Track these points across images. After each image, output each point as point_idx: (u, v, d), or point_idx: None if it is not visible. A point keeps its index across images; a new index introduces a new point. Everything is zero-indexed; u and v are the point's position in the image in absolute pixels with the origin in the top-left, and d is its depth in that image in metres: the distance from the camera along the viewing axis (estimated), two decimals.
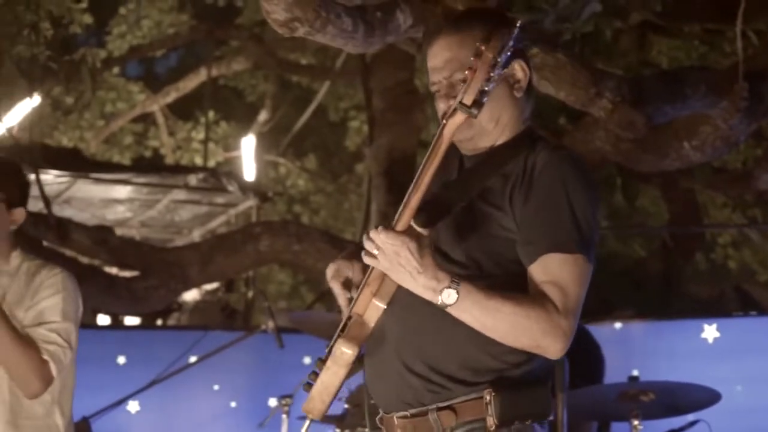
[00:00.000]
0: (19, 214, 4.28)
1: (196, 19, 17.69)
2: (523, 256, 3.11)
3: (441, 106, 3.23)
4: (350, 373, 3.15)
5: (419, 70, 11.34)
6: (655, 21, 7.60)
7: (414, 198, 2.93)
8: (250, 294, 13.29)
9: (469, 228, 3.15)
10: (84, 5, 15.20)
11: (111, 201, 14.10)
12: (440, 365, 3.16)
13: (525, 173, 3.16)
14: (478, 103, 2.91)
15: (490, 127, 3.23)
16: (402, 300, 3.06)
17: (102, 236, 8.37)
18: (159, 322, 12.32)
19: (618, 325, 7.78)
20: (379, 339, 3.20)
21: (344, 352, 3.07)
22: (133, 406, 7.79)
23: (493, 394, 3.08)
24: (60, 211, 11.58)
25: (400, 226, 2.92)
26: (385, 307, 3.06)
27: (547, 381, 3.25)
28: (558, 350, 3.02)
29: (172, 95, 18.38)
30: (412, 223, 2.93)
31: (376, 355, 3.27)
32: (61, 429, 4.24)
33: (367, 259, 2.95)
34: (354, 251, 3.28)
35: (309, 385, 3.19)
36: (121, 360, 7.93)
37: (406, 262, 2.87)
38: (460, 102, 2.92)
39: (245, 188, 13.91)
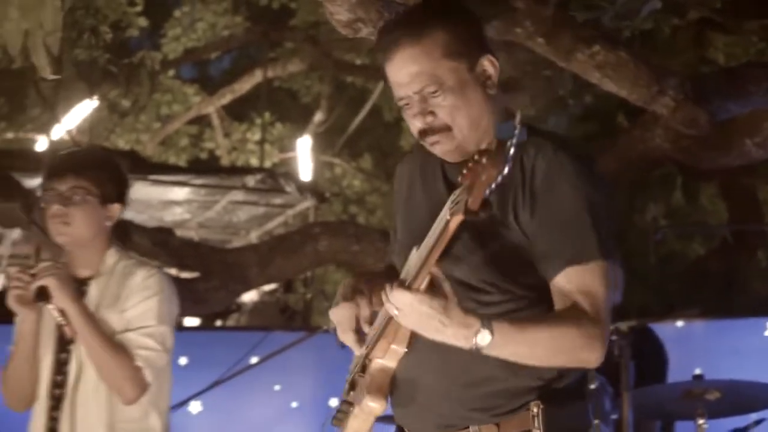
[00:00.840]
0: (114, 210, 4.25)
1: (250, 21, 17.77)
2: (542, 270, 2.98)
3: (416, 123, 3.03)
4: None
5: None
6: (713, 17, 7.53)
7: (428, 264, 2.76)
8: (309, 294, 13.32)
9: (478, 252, 3.01)
10: (139, 8, 15.35)
11: (169, 203, 14.15)
12: (478, 401, 3.05)
13: (525, 181, 2.98)
14: (486, 203, 2.66)
15: (472, 135, 3.03)
16: (426, 340, 2.88)
17: (162, 238, 8.39)
18: (218, 323, 12.37)
19: (680, 323, 7.74)
20: (404, 382, 3.10)
21: (373, 407, 3.01)
22: (194, 406, 7.82)
23: (541, 406, 2.99)
24: None
25: (416, 283, 2.77)
26: (405, 350, 2.98)
27: (585, 394, 3.19)
28: (597, 359, 2.92)
29: (227, 97, 18.45)
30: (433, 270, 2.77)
31: (403, 399, 3.16)
32: (158, 431, 4.20)
33: (390, 310, 2.81)
34: (351, 290, 3.17)
35: (339, 421, 3.15)
36: (183, 361, 7.95)
37: (429, 319, 2.73)
38: (467, 207, 2.66)
39: (302, 189, 13.92)
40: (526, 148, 2.96)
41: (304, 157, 17.99)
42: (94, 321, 4.04)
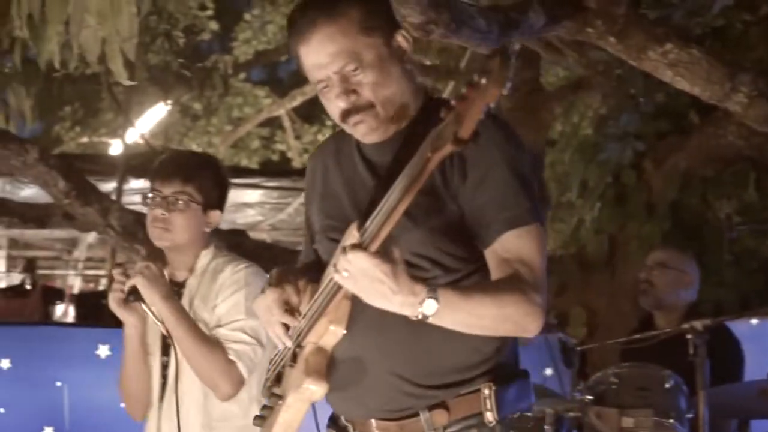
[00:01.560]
0: (215, 216, 4.23)
1: None
2: (477, 238, 2.92)
3: (339, 103, 2.95)
4: None
5: (545, 68, 11.31)
6: None
7: (389, 222, 2.64)
8: None
9: (415, 228, 2.91)
10: (210, 12, 15.47)
11: (241, 205, 14.23)
12: (425, 378, 2.98)
13: (455, 153, 2.81)
14: (475, 134, 2.54)
15: (395, 111, 2.98)
16: (367, 320, 2.88)
17: (237, 240, 8.44)
18: None
19: (755, 321, 7.66)
20: (345, 364, 3.00)
21: (313, 390, 2.91)
22: None
23: (493, 388, 2.94)
24: None
25: (374, 246, 2.66)
26: (344, 331, 2.89)
27: (524, 370, 3.13)
28: (537, 327, 2.85)
29: (297, 99, 18.50)
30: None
31: (344, 381, 3.02)
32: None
33: (336, 277, 2.70)
34: (278, 278, 3.07)
35: (262, 419, 3.10)
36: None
37: (380, 284, 2.62)
38: (457, 137, 2.52)
39: None
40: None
41: None
42: (185, 318, 4.02)
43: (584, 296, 8.73)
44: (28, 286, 13.41)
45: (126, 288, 4.02)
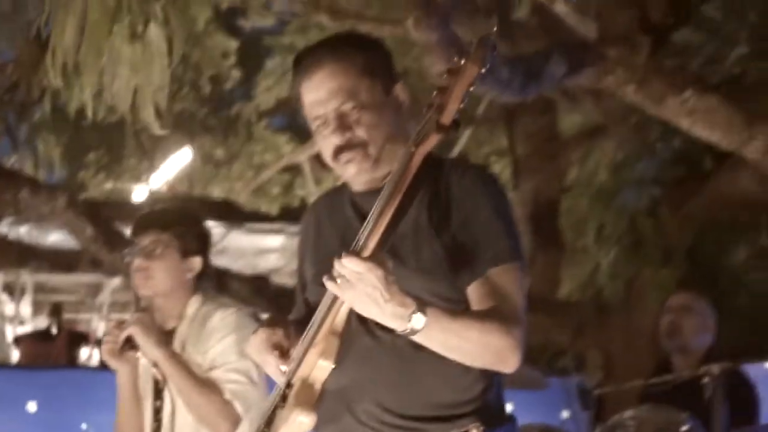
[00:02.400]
0: (195, 262, 4.27)
1: None
2: (461, 276, 2.91)
3: (333, 140, 2.94)
4: None
5: (561, 115, 11.34)
6: None
7: (380, 225, 2.67)
8: None
9: (399, 270, 2.81)
10: (233, 60, 15.56)
11: (263, 250, 14.29)
12: (412, 410, 2.94)
13: (440, 195, 2.96)
14: (456, 123, 2.61)
15: (386, 155, 2.96)
16: (354, 354, 2.89)
17: (259, 285, 8.48)
18: None
19: None
20: (332, 398, 2.96)
21: (302, 421, 2.86)
22: None
23: (481, 428, 2.91)
24: (216, 260, 11.74)
25: (366, 251, 2.67)
26: (333, 366, 2.85)
27: (511, 414, 3.09)
28: (516, 362, 2.84)
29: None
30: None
31: (338, 416, 3.01)
32: None
33: (330, 285, 2.68)
34: (270, 322, 3.04)
35: None
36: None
37: (372, 290, 2.62)
38: (439, 123, 2.59)
39: None
40: (441, 167, 2.99)
41: None
42: (181, 363, 4.09)
43: (601, 339, 8.73)
44: (54, 331, 13.43)
45: (121, 338, 4.08)
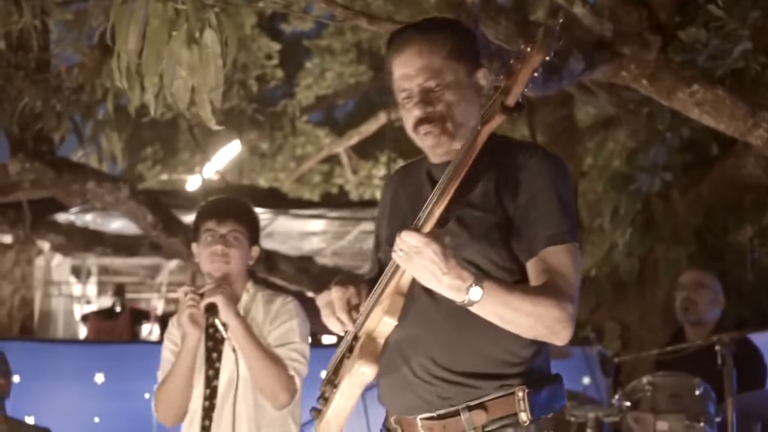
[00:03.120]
0: (256, 251, 4.39)
1: (373, 69, 17.93)
2: (521, 252, 2.95)
3: (415, 112, 3.00)
4: None
5: (578, 107, 11.31)
6: None
7: (442, 200, 2.70)
8: None
9: (464, 237, 2.94)
10: (276, 62, 15.59)
11: (307, 234, 14.32)
12: (465, 368, 2.96)
13: (508, 172, 2.98)
14: (520, 106, 2.65)
15: (461, 131, 3.00)
16: (415, 312, 2.93)
17: (304, 265, 8.51)
18: None
19: None
20: (391, 351, 2.99)
21: (364, 372, 2.87)
22: None
23: (526, 390, 2.92)
24: (264, 243, 11.80)
25: (426, 227, 2.70)
26: (396, 323, 2.88)
27: (557, 375, 3.09)
28: (567, 335, 2.86)
29: (354, 138, 18.64)
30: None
31: (396, 367, 3.03)
32: None
33: (394, 256, 2.72)
34: (343, 280, 3.04)
35: (317, 411, 3.06)
36: (323, 374, 8.00)
37: (430, 264, 2.65)
38: (504, 105, 2.64)
39: None
40: (510, 147, 3.03)
41: None
42: (254, 335, 4.16)
43: (617, 312, 8.72)
44: (117, 309, 13.50)
45: (203, 305, 4.10)
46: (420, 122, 3.00)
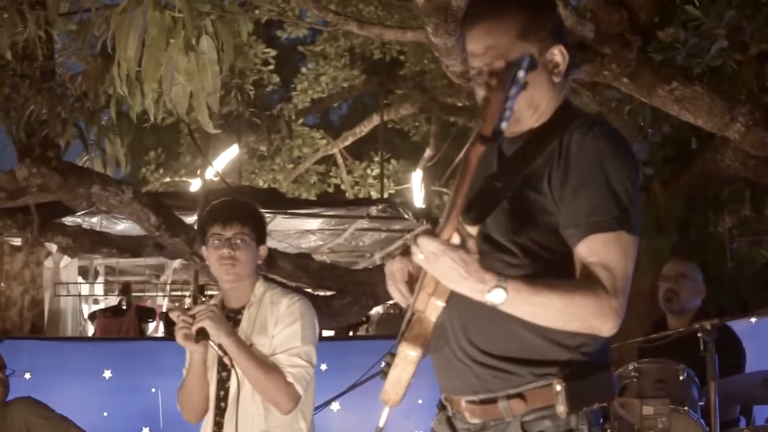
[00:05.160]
0: (262, 250, 4.33)
1: (366, 73, 17.95)
2: (567, 238, 2.77)
3: (481, 92, 2.85)
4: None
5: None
6: None
7: (454, 211, 2.57)
8: None
9: (515, 216, 2.82)
10: (272, 67, 15.60)
11: (304, 232, 14.32)
12: (504, 352, 2.84)
13: (561, 153, 2.80)
14: (497, 132, 2.48)
15: (529, 114, 2.86)
16: (456, 294, 2.69)
17: (303, 262, 8.47)
18: (350, 333, 12.46)
19: (754, 320, 7.62)
20: (441, 332, 2.88)
21: (408, 354, 2.76)
22: (334, 406, 7.85)
23: (563, 384, 2.77)
24: None
25: (444, 234, 2.57)
26: (444, 305, 2.71)
27: (608, 363, 2.93)
28: (610, 329, 2.68)
29: (349, 139, 18.67)
30: (461, 224, 2.58)
31: (440, 347, 2.95)
32: (305, 431, 4.27)
33: (416, 258, 2.60)
34: (408, 251, 3.02)
35: (384, 375, 2.86)
36: (323, 367, 8.00)
37: (450, 269, 2.54)
38: (480, 135, 2.50)
39: (418, 215, 13.94)
40: (567, 125, 2.83)
41: (417, 188, 18.09)
42: (247, 349, 4.12)
43: None
44: (124, 307, 13.50)
45: (194, 329, 4.07)
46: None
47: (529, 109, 2.86)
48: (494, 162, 2.95)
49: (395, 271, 2.93)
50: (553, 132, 2.82)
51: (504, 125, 2.47)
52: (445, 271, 2.57)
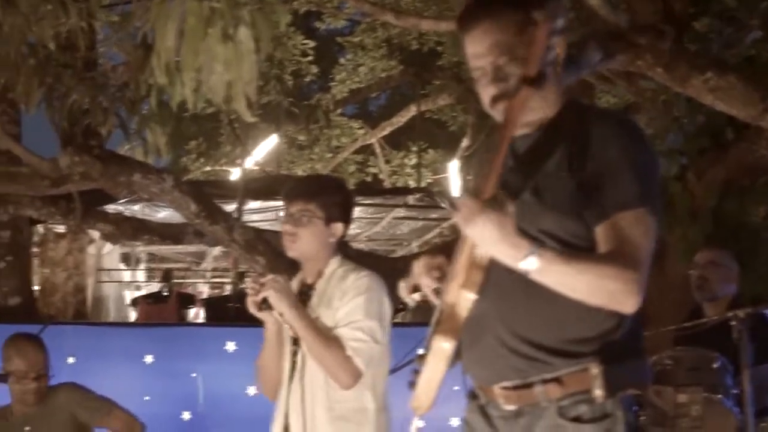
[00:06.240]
0: (337, 228, 4.21)
1: (404, 63, 17.94)
2: (588, 217, 2.76)
3: (489, 90, 2.85)
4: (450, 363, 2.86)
5: (598, 96, 11.22)
6: None
7: (494, 170, 2.60)
8: None
9: (539, 205, 2.81)
10: (311, 58, 15.62)
11: None
12: (541, 340, 2.82)
13: (581, 140, 2.80)
14: (542, 75, 2.59)
15: (538, 104, 2.86)
16: (493, 284, 2.75)
17: (342, 250, 8.46)
18: None
19: None
20: (473, 324, 2.83)
21: (442, 346, 2.75)
22: None
23: (601, 367, 2.75)
24: None
25: (484, 194, 2.59)
26: (475, 297, 2.71)
27: (642, 349, 2.91)
28: (633, 304, 2.67)
29: (387, 129, 18.66)
30: (499, 190, 2.61)
31: (473, 339, 2.93)
32: (371, 412, 4.12)
33: (457, 219, 2.59)
34: (434, 249, 3.04)
35: (413, 384, 2.89)
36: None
37: (486, 231, 2.55)
38: (525, 76, 2.59)
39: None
40: (583, 116, 2.86)
41: (454, 177, 18.07)
42: (309, 321, 4.05)
43: None
44: (165, 293, 13.57)
45: (259, 298, 4.06)
46: (495, 100, 2.84)
47: (540, 99, 2.86)
48: (507, 159, 2.89)
49: (421, 268, 2.96)
50: (567, 122, 2.83)
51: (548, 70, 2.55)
52: (481, 231, 2.57)
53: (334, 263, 4.23)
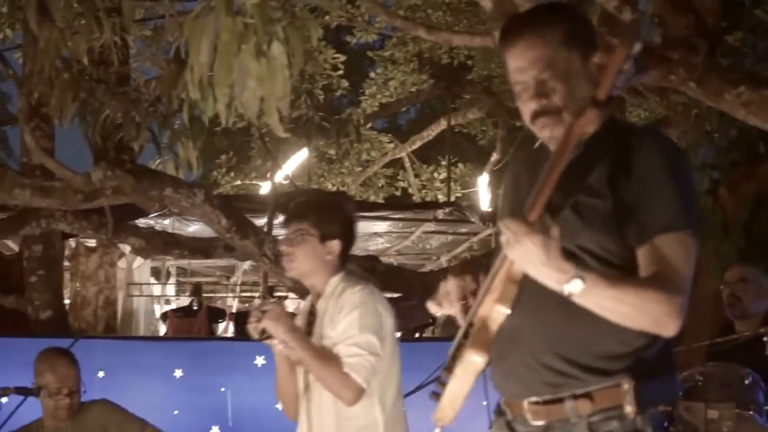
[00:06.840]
0: (334, 245, 4.23)
1: (434, 77, 17.97)
2: (631, 236, 2.76)
3: (531, 105, 2.86)
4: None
5: (630, 110, 11.20)
6: None
7: (544, 192, 2.57)
8: None
9: (579, 222, 2.79)
10: (341, 72, 15.67)
11: (372, 234, 14.35)
12: (575, 356, 2.81)
13: (622, 157, 2.79)
14: (611, 99, 2.57)
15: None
16: (527, 299, 2.74)
17: (371, 264, 8.50)
18: (416, 335, 12.44)
19: None
20: (503, 338, 2.82)
21: (474, 360, 2.75)
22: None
23: (632, 383, 2.74)
24: None
25: (531, 216, 2.56)
26: (509, 311, 2.73)
27: (673, 365, 2.89)
28: (675, 328, 2.67)
29: (416, 143, 18.69)
30: (545, 213, 2.60)
31: (502, 353, 2.91)
32: (380, 425, 4.14)
33: (502, 240, 2.60)
34: (461, 268, 2.98)
35: (437, 395, 2.89)
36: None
37: (531, 253, 2.54)
38: (594, 98, 2.56)
39: (484, 219, 13.91)
40: (627, 131, 2.86)
41: (483, 191, 18.07)
42: (305, 343, 4.10)
43: None
44: (195, 307, 13.62)
45: (258, 329, 4.12)
46: (536, 115, 2.86)
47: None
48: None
49: (450, 290, 2.96)
50: (608, 139, 2.83)
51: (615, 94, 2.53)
52: (526, 254, 2.57)
53: (335, 281, 4.24)
